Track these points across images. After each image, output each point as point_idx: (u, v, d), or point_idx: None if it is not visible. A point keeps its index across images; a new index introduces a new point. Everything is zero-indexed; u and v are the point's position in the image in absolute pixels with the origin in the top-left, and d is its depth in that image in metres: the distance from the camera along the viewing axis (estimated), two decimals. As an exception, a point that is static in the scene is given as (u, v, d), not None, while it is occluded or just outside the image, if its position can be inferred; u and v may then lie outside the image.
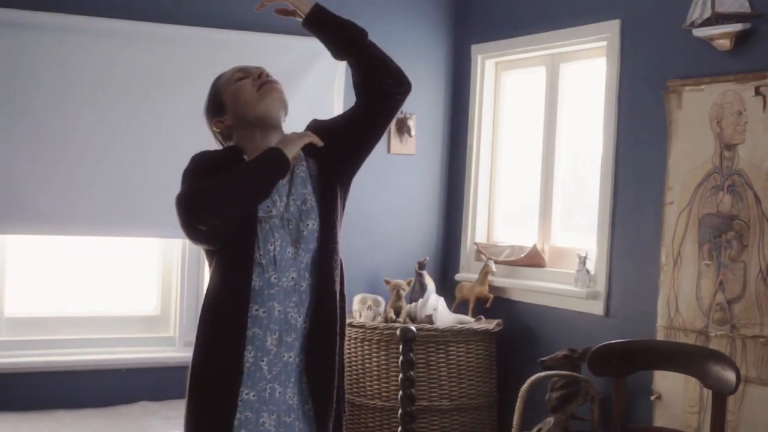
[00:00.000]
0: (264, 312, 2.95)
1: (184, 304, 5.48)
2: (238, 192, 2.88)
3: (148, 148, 5.24)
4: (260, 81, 3.07)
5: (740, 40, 4.29)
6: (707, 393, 4.10)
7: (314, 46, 5.54)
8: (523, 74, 5.89)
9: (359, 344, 5.30)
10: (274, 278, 2.95)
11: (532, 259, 5.48)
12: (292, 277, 2.97)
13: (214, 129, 3.16)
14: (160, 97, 5.26)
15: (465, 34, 6.08)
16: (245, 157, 3.01)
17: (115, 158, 5.17)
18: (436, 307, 5.38)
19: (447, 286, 5.88)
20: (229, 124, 3.09)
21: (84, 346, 5.27)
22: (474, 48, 5.96)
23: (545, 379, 4.84)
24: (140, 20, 5.23)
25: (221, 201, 2.86)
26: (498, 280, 5.58)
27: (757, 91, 4.21)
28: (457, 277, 5.91)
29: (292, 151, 2.95)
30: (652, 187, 4.70)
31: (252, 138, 3.06)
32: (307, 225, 2.98)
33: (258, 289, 2.94)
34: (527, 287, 5.44)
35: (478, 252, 5.83)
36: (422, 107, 5.89)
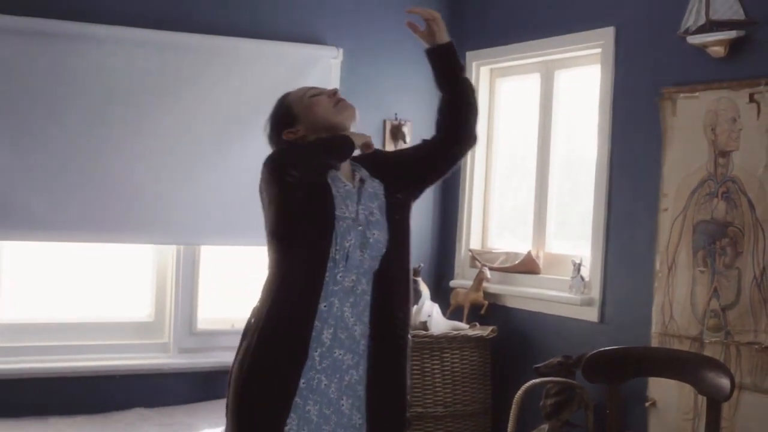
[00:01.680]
0: (325, 306, 3.11)
1: (178, 310, 5.48)
2: (315, 153, 3.19)
3: (144, 154, 5.23)
4: (336, 98, 3.32)
5: (734, 47, 4.29)
6: (702, 400, 4.09)
7: (310, 53, 5.64)
8: (518, 81, 5.90)
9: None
10: (340, 276, 3.13)
11: (527, 266, 5.48)
12: (353, 279, 3.15)
13: (284, 138, 3.35)
14: (156, 103, 5.26)
15: (460, 41, 6.00)
16: None
17: (110, 165, 5.17)
18: (430, 314, 5.38)
19: (442, 293, 5.88)
20: (302, 134, 3.29)
21: (78, 353, 5.26)
22: (469, 55, 5.96)
23: (540, 386, 4.84)
24: (135, 26, 5.22)
25: (304, 156, 3.19)
26: (493, 287, 5.58)
27: (752, 98, 4.21)
28: (452, 283, 5.91)
29: (356, 143, 3.21)
30: (647, 194, 4.70)
31: None
32: (373, 233, 3.18)
33: (324, 284, 3.12)
34: (522, 294, 5.44)
35: (473, 259, 5.83)
36: (417, 114, 5.88)
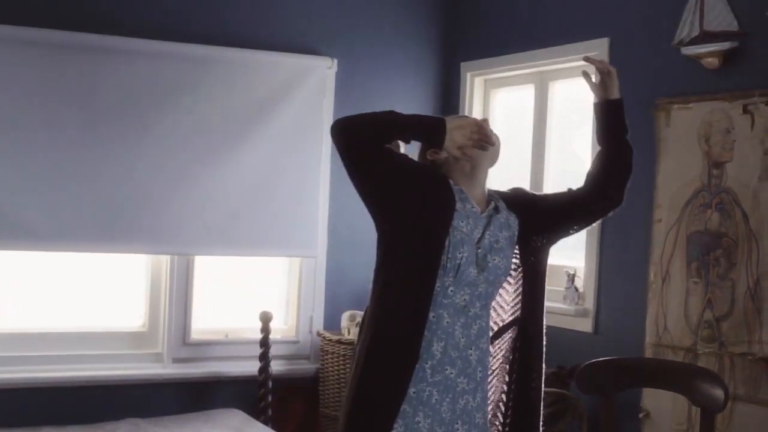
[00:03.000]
0: (434, 317, 3.10)
1: (172, 320, 5.47)
2: (392, 123, 3.12)
3: (138, 164, 5.23)
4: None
5: (728, 58, 4.30)
6: (695, 411, 4.10)
7: (304, 63, 5.64)
8: (512, 92, 5.90)
9: (348, 361, 5.29)
10: (451, 290, 3.10)
11: (521, 277, 5.47)
12: (465, 298, 3.12)
13: (427, 157, 3.26)
14: (150, 113, 5.26)
15: (454, 51, 6.09)
16: (450, 181, 3.20)
17: (104, 174, 5.16)
18: (424, 325, 5.37)
19: (436, 304, 5.86)
20: (445, 156, 3.19)
21: (71, 362, 5.25)
22: (463, 66, 5.98)
23: (534, 397, 4.82)
24: (129, 36, 5.23)
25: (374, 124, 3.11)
26: (487, 298, 5.57)
27: (745, 110, 4.22)
28: (446, 294, 5.89)
29: (456, 130, 3.08)
30: (641, 205, 4.70)
31: (462, 170, 3.23)
32: (494, 259, 3.16)
33: (434, 293, 3.10)
34: (516, 304, 5.43)
35: (467, 269, 5.82)
36: (411, 124, 5.88)
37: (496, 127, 5.89)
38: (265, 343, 5.40)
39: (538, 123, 5.54)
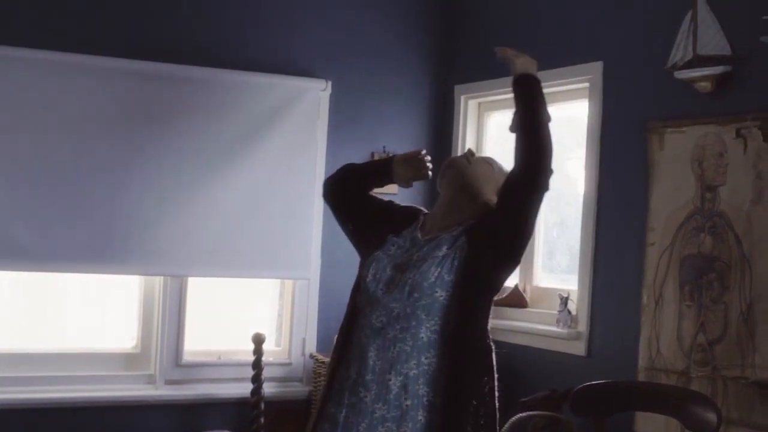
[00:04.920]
0: (355, 338, 3.28)
1: (164, 341, 5.45)
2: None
3: (132, 185, 5.22)
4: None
5: (721, 82, 4.31)
6: (688, 434, 4.09)
7: (298, 85, 5.64)
8: (506, 115, 5.90)
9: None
10: (368, 310, 3.25)
11: (514, 300, 5.48)
12: (381, 319, 3.19)
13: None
14: (143, 134, 5.26)
15: (448, 74, 6.10)
16: (423, 212, 3.48)
17: (97, 195, 5.16)
18: (417, 347, 5.36)
19: (429, 326, 5.85)
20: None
21: (63, 384, 5.23)
22: (457, 88, 5.99)
23: (526, 420, 4.81)
24: (123, 57, 5.23)
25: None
26: (480, 320, 5.56)
27: (738, 133, 4.23)
28: (439, 316, 5.89)
29: (399, 165, 3.53)
30: (634, 228, 4.71)
31: (442, 199, 3.44)
32: (407, 277, 3.21)
33: (357, 315, 3.34)
34: (509, 327, 5.43)
35: (460, 292, 5.81)
36: (404, 146, 5.88)
37: (489, 149, 5.95)
38: (257, 365, 5.38)
39: (532, 146, 5.54)
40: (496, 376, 3.28)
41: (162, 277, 5.46)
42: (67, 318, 5.42)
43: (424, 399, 3.11)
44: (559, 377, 4.97)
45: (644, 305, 4.62)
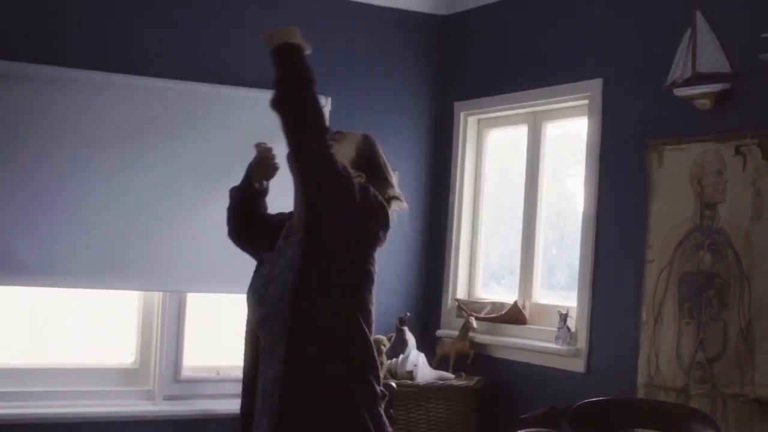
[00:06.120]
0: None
1: (163, 357, 5.45)
2: None
3: (130, 200, 5.23)
4: None
5: (720, 100, 4.32)
6: (688, 452, 4.08)
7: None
8: (506, 132, 5.92)
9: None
10: (260, 332, 3.22)
11: (513, 316, 5.48)
12: (269, 339, 3.18)
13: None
14: (141, 149, 5.27)
15: (448, 91, 6.12)
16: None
17: (95, 210, 5.16)
18: (416, 363, 5.37)
19: (428, 342, 5.85)
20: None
21: (60, 399, 5.22)
22: (457, 105, 6.00)
23: (525, 437, 4.82)
24: (120, 72, 5.24)
25: None
26: (479, 337, 5.57)
27: (738, 151, 4.24)
28: (438, 333, 5.89)
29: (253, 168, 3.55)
30: (633, 245, 4.71)
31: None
32: (271, 291, 3.17)
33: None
34: (508, 344, 5.43)
35: (459, 308, 5.82)
36: (404, 163, 5.90)
37: (489, 166, 5.96)
38: (256, 380, 5.37)
39: (531, 162, 5.56)
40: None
41: (161, 293, 5.46)
42: (66, 333, 5.41)
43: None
44: (558, 394, 4.97)
45: (643, 322, 4.62)
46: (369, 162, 3.25)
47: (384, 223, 3.10)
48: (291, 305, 2.99)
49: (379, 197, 3.08)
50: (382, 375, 5.26)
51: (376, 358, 3.09)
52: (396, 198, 3.24)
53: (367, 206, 3.02)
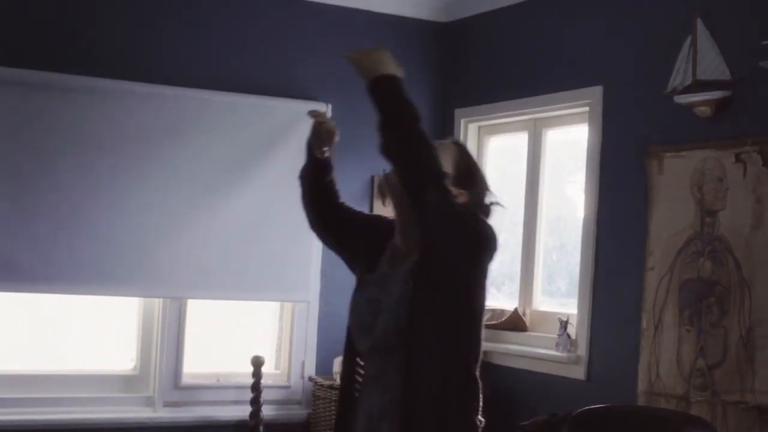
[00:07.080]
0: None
1: (163, 363, 5.44)
2: None
3: (132, 207, 5.24)
4: None
5: (721, 107, 4.32)
6: (688, 459, 4.08)
7: (299, 108, 5.64)
8: (506, 139, 5.92)
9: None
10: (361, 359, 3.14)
11: (514, 323, 5.47)
12: (375, 366, 3.04)
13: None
14: (144, 156, 5.28)
15: (448, 98, 6.12)
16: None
17: (97, 217, 5.17)
18: (417, 370, 5.35)
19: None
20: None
21: (60, 405, 5.22)
22: (457, 112, 6.00)
23: (526, 444, 4.81)
24: (123, 79, 5.25)
25: None
26: (479, 344, 5.55)
27: (738, 158, 4.24)
28: (439, 340, 5.88)
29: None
30: (633, 252, 4.71)
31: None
32: (379, 321, 3.03)
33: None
34: (508, 351, 5.43)
35: (460, 315, 5.81)
36: (405, 170, 5.89)
37: (489, 173, 5.94)
38: (256, 387, 5.37)
39: (532, 169, 5.56)
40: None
41: (161, 299, 5.46)
42: (67, 339, 5.41)
43: None
44: (558, 401, 4.96)
45: (644, 329, 4.61)
46: (468, 172, 3.08)
47: (494, 252, 3.00)
48: (406, 341, 2.85)
49: (491, 229, 2.97)
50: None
51: (480, 396, 2.97)
52: (497, 204, 3.14)
53: (482, 241, 2.94)
